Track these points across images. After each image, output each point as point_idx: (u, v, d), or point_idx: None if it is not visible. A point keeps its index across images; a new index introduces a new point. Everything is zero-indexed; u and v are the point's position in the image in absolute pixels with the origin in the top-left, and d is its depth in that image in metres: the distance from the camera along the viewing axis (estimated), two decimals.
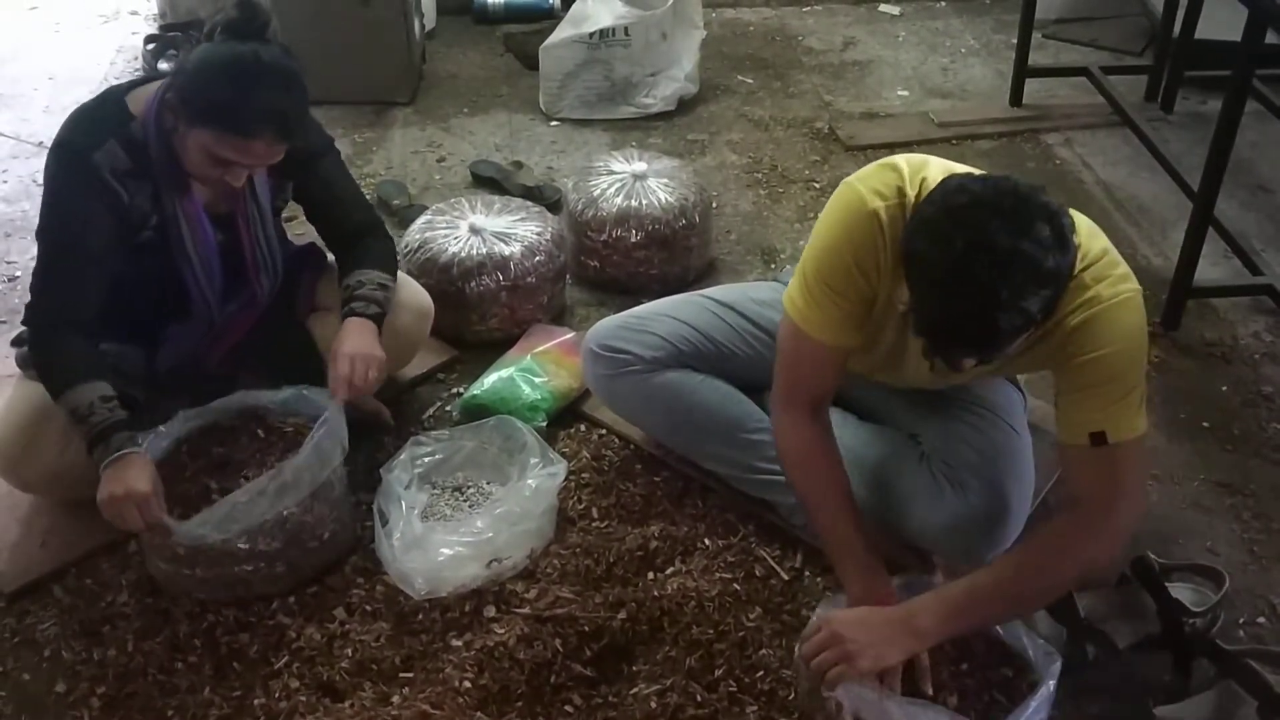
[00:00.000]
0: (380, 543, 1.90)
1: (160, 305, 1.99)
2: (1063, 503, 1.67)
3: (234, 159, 1.80)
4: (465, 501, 2.04)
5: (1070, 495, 1.64)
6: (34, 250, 2.89)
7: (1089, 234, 1.57)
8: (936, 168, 1.61)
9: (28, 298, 2.67)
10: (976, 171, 1.61)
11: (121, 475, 1.76)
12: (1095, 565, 1.63)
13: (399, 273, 2.19)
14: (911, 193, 1.58)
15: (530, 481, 1.94)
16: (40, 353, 1.91)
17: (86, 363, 1.86)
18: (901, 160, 1.63)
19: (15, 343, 2.16)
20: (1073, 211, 1.49)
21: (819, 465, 1.74)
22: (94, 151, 1.82)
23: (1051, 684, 1.54)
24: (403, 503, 1.90)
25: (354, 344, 1.95)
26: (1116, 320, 1.54)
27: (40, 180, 3.21)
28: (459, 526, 1.90)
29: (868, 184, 1.61)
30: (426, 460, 2.05)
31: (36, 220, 3.07)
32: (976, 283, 1.35)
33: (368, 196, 3.07)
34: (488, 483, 2.07)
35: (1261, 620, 1.88)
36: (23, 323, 1.96)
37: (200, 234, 1.95)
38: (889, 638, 1.55)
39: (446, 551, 1.84)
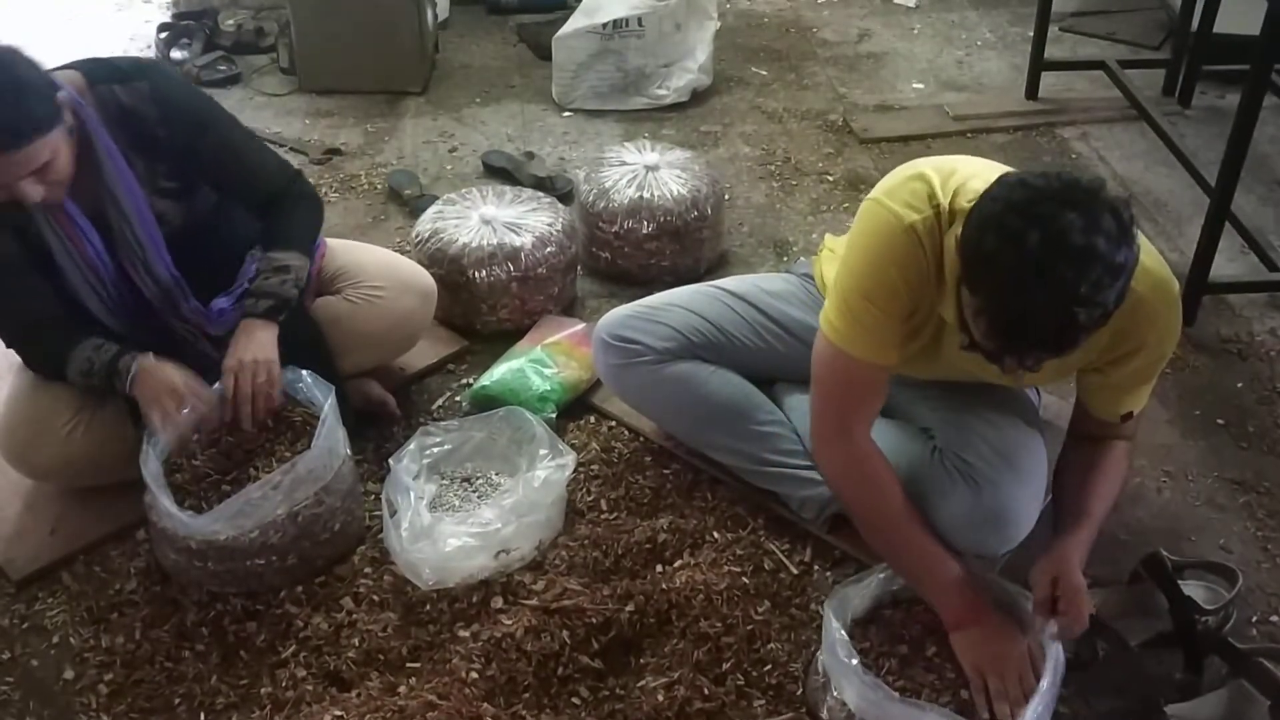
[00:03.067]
0: (388, 533, 1.89)
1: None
2: (1076, 432, 1.79)
3: None
4: (474, 492, 2.04)
5: (1086, 435, 1.76)
6: None
7: None
8: (966, 170, 1.59)
9: None
10: (1007, 168, 1.60)
11: (146, 383, 1.83)
12: None
13: (399, 256, 2.18)
14: (944, 200, 1.55)
15: (539, 473, 1.94)
16: (31, 361, 1.92)
17: (67, 337, 1.86)
18: (927, 168, 1.60)
19: None
20: None
21: (893, 492, 1.70)
22: None
23: (1049, 680, 1.54)
24: (411, 493, 1.90)
25: (238, 353, 1.88)
26: (1157, 315, 1.57)
27: None
28: (467, 518, 1.90)
29: (897, 198, 1.58)
30: (435, 450, 2.05)
31: None
32: (1057, 278, 1.32)
33: (379, 186, 3.07)
34: (496, 474, 2.07)
35: (1275, 619, 1.86)
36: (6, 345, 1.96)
37: (76, 241, 1.85)
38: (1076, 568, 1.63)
39: (454, 542, 1.84)
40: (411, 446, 2.01)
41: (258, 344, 1.90)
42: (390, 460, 1.98)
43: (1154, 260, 1.56)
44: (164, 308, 1.95)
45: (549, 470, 1.94)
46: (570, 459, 1.97)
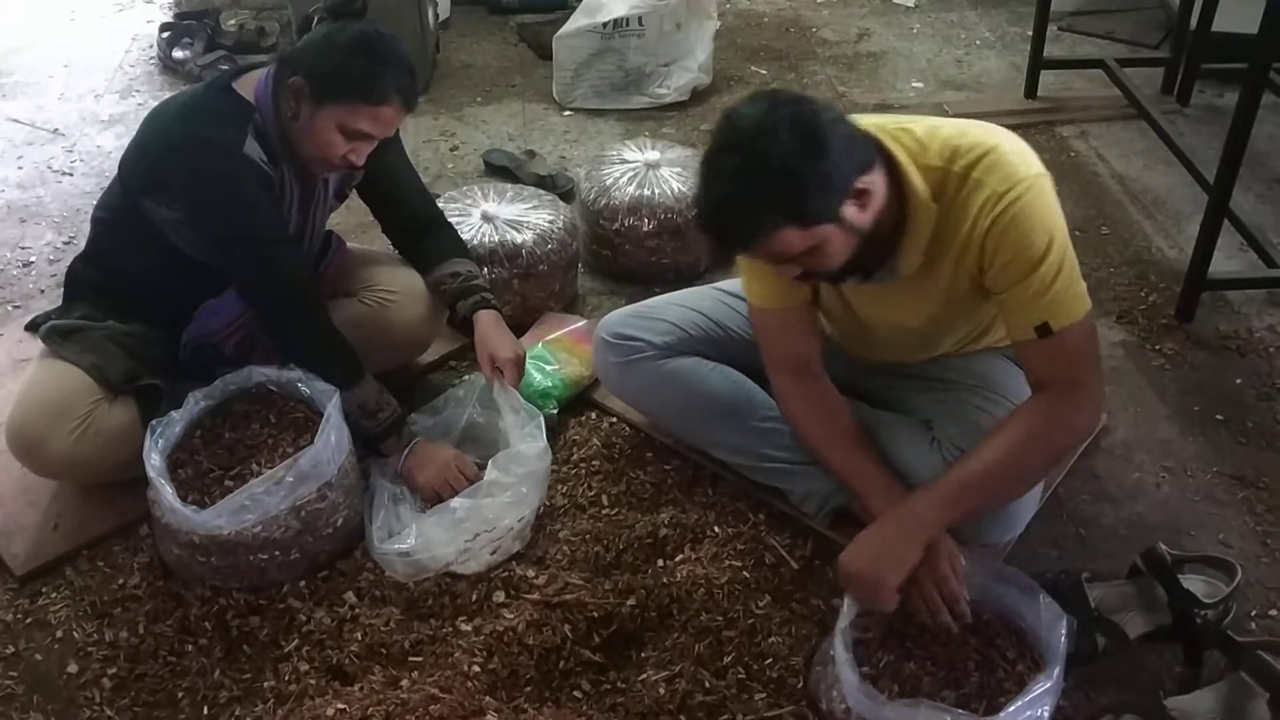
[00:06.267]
0: (368, 533, 1.93)
1: (210, 280, 2.00)
2: (1031, 387, 1.72)
3: (367, 130, 1.89)
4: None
5: (1035, 380, 1.70)
6: (49, 236, 2.95)
7: (971, 133, 1.63)
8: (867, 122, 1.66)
9: (43, 283, 2.73)
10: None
11: (430, 459, 1.99)
12: (1083, 434, 1.76)
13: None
14: None
15: (512, 449, 1.96)
16: (312, 353, 1.97)
17: (355, 355, 1.99)
18: None
19: (30, 327, 2.18)
20: (965, 120, 1.67)
21: (819, 411, 1.84)
22: (242, 145, 1.88)
23: (1056, 670, 1.54)
24: (385, 494, 1.94)
25: (510, 344, 2.10)
26: (1023, 213, 1.58)
27: (55, 167, 3.25)
28: (441, 510, 1.90)
29: None
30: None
31: (53, 207, 3.11)
32: (715, 180, 1.50)
33: None
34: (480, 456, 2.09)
35: (1274, 613, 1.87)
36: (278, 330, 1.98)
37: (295, 217, 2.03)
38: (898, 539, 1.62)
39: (421, 537, 1.87)
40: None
41: (511, 335, 2.15)
42: (370, 460, 2.01)
43: (1004, 165, 1.60)
44: None
45: (521, 443, 1.96)
46: (535, 424, 1.99)
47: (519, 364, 2.10)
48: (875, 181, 1.56)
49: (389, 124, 1.91)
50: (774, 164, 1.45)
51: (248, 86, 1.93)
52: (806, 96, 1.53)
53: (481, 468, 2.02)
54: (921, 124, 1.67)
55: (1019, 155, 1.62)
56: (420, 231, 2.23)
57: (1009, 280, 1.62)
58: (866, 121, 1.64)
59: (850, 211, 1.53)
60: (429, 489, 1.98)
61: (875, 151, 1.58)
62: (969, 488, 1.65)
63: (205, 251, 1.95)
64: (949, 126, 1.66)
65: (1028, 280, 1.60)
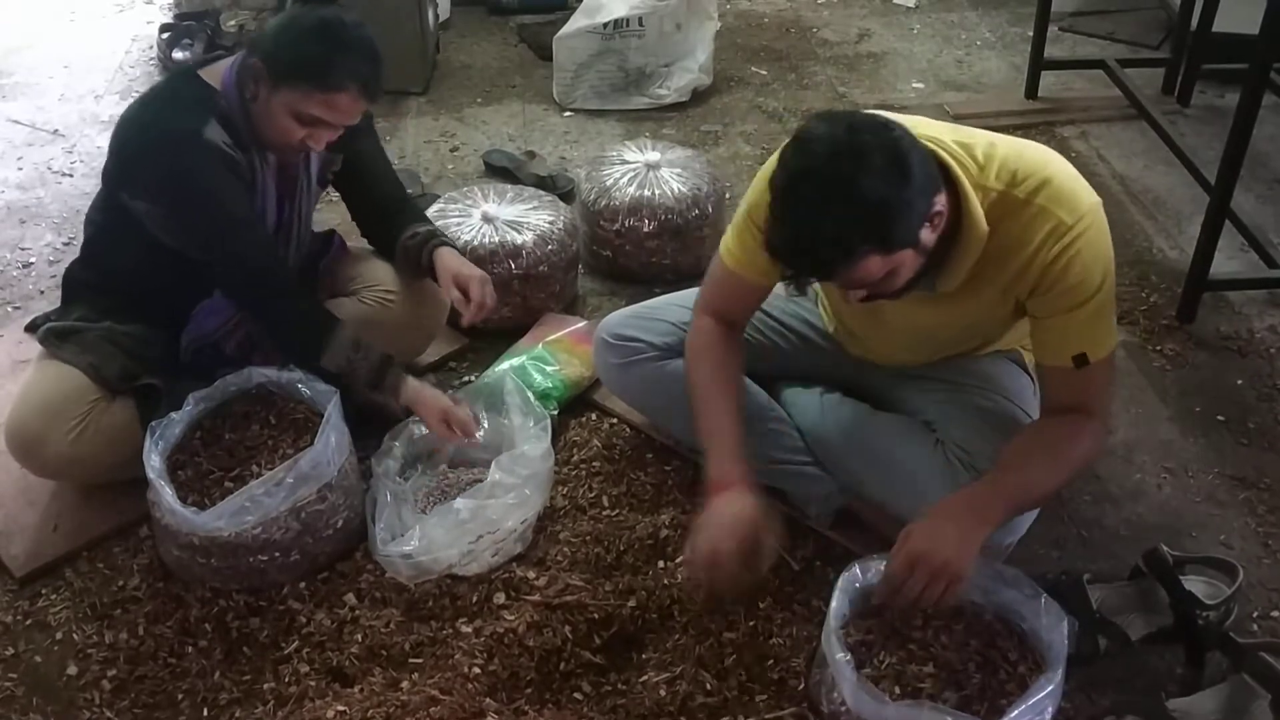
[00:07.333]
0: (370, 534, 1.93)
1: (202, 276, 1.99)
2: (1047, 408, 1.75)
3: (321, 116, 1.86)
4: (456, 475, 2.07)
5: (1055, 404, 1.72)
6: (49, 237, 2.95)
7: (1027, 155, 1.63)
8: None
9: (42, 283, 2.73)
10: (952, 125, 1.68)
11: (426, 403, 2.00)
12: (1089, 462, 1.78)
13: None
14: None
15: (516, 450, 1.96)
16: (291, 323, 1.98)
17: (328, 312, 2.00)
18: None
19: (30, 328, 2.18)
20: (1020, 141, 1.67)
21: (713, 357, 1.84)
22: (204, 130, 1.86)
23: (1057, 672, 1.54)
24: (388, 495, 1.93)
25: (473, 268, 2.12)
26: (1088, 247, 1.59)
27: (55, 168, 3.24)
28: (446, 513, 1.90)
29: None
30: (418, 439, 2.08)
31: (53, 208, 3.11)
32: (799, 207, 1.45)
33: None
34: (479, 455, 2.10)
35: (1275, 614, 1.87)
36: (254, 303, 2.00)
37: (271, 204, 2.01)
38: (973, 532, 1.59)
39: (426, 540, 1.86)
40: (397, 442, 2.03)
41: (471, 265, 2.17)
42: (373, 459, 2.01)
43: (1067, 193, 1.60)
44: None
45: (526, 445, 1.97)
46: (544, 425, 2.00)
47: (485, 281, 2.12)
48: (943, 202, 1.54)
49: (345, 112, 1.88)
50: (863, 192, 1.41)
51: (215, 74, 1.93)
52: (879, 117, 1.49)
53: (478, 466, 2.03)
54: (978, 139, 1.64)
55: (1077, 182, 1.63)
56: (387, 216, 2.22)
57: (1058, 308, 1.63)
58: (921, 132, 1.59)
59: (925, 234, 1.52)
60: (436, 415, 2.00)
61: (940, 171, 1.55)
62: (1025, 491, 1.65)
63: (180, 239, 1.94)
64: (1005, 145, 1.65)
65: (1078, 310, 1.61)
